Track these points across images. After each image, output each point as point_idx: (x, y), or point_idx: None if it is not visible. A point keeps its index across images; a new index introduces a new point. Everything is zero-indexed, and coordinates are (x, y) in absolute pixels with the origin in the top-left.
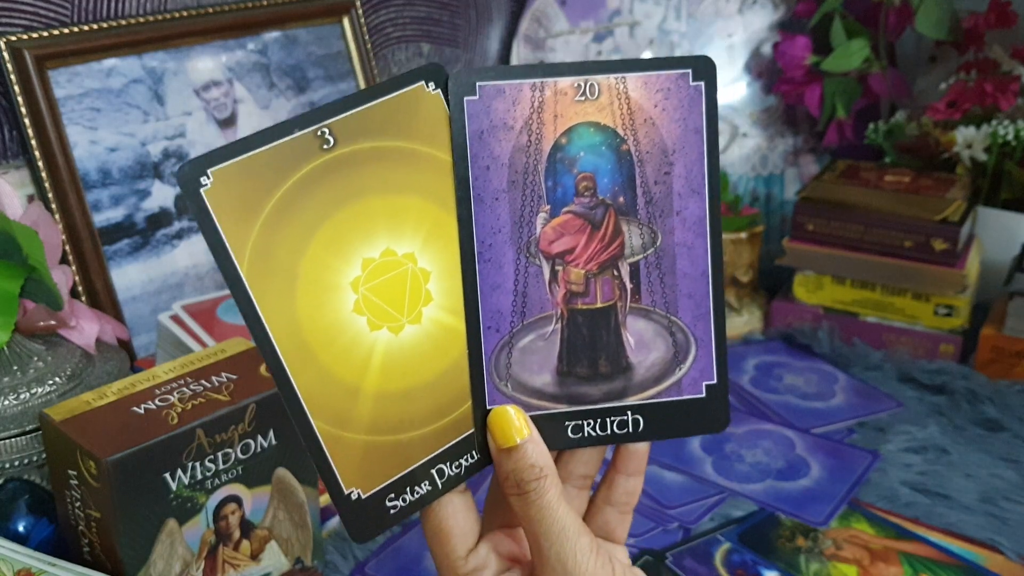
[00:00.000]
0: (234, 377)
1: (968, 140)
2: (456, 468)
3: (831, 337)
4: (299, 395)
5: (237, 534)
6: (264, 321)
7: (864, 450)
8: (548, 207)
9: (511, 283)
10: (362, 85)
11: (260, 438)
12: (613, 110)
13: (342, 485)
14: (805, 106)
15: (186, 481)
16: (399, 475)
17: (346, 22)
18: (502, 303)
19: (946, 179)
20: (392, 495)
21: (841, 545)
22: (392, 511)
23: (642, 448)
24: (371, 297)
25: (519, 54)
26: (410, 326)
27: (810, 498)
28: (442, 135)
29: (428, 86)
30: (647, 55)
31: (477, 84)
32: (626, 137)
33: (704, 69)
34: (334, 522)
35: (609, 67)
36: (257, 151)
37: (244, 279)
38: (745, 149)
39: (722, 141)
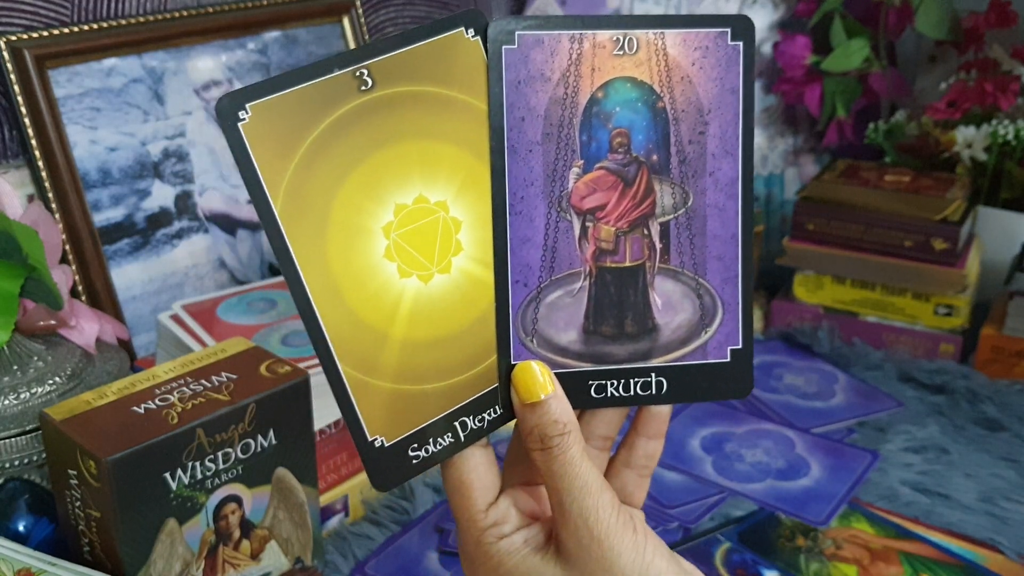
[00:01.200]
0: (234, 377)
1: (968, 140)
2: (479, 421)
3: (831, 337)
4: (327, 337)
5: (237, 534)
6: (295, 260)
7: (864, 450)
8: (581, 162)
9: (541, 237)
10: None
11: (260, 438)
12: (651, 66)
13: (366, 432)
14: (805, 106)
15: (186, 481)
16: (423, 425)
17: (346, 22)
18: (531, 257)
19: (946, 179)
20: (415, 445)
21: (841, 545)
22: (414, 461)
23: (664, 411)
24: (402, 243)
25: None
26: (439, 275)
27: (810, 498)
28: (479, 83)
29: (467, 32)
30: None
31: (516, 33)
32: (662, 94)
33: (743, 28)
34: (334, 522)
35: (649, 22)
36: (296, 88)
37: (277, 216)
38: None
39: None
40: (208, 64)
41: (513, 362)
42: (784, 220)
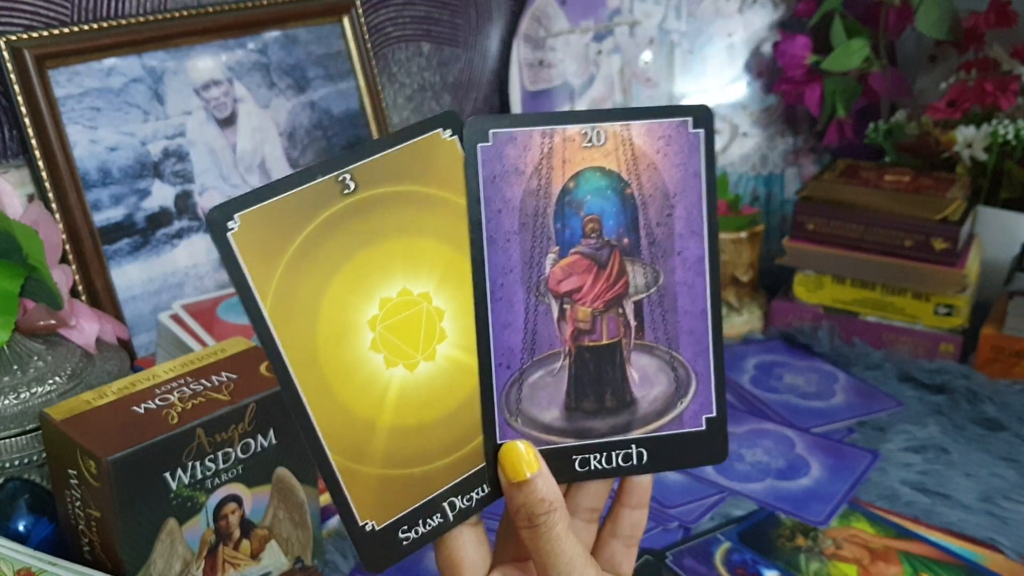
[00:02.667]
0: (234, 377)
1: (968, 139)
2: (468, 501)
3: (831, 337)
4: (317, 429)
5: (237, 533)
6: (285, 358)
7: (864, 449)
8: (557, 248)
9: (521, 321)
10: (362, 84)
11: (260, 438)
12: (618, 156)
13: (357, 517)
14: (805, 106)
15: (186, 480)
16: (412, 507)
17: (346, 21)
18: (513, 340)
19: (946, 179)
20: (405, 527)
21: (841, 544)
22: (405, 542)
23: (646, 481)
24: (388, 335)
25: (519, 53)
26: (425, 363)
27: (810, 497)
28: (457, 179)
29: (444, 133)
30: (647, 55)
31: (490, 131)
32: (630, 181)
33: (703, 117)
34: (334, 522)
35: (614, 115)
36: (281, 196)
37: (267, 318)
38: (745, 149)
39: (722, 140)
40: (208, 64)
41: (499, 441)
42: (784, 220)
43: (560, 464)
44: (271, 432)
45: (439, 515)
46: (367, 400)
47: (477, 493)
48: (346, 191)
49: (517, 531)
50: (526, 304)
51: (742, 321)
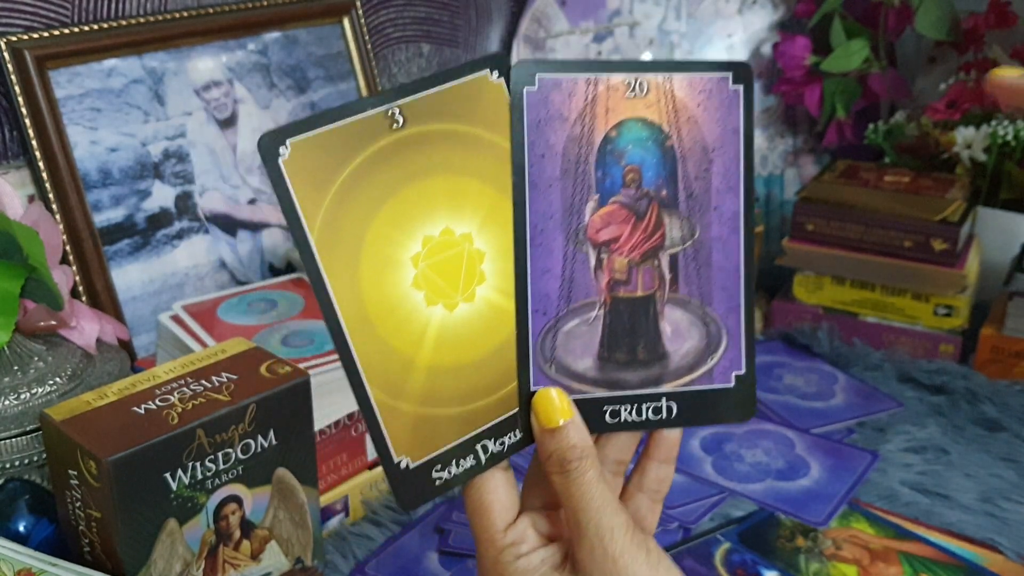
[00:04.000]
0: (234, 377)
1: (968, 140)
2: (500, 445)
3: (831, 337)
4: (357, 362)
5: (237, 534)
6: (329, 288)
7: (864, 450)
8: (597, 196)
9: (559, 268)
10: (362, 85)
11: (260, 438)
12: (660, 107)
13: (393, 453)
14: (805, 106)
15: (186, 481)
16: (446, 447)
17: (346, 22)
18: (550, 287)
19: (946, 179)
20: (439, 466)
21: (841, 545)
22: (438, 481)
23: (674, 436)
24: (429, 273)
25: (519, 54)
26: (464, 304)
27: (810, 498)
28: (503, 122)
29: (492, 75)
30: (647, 56)
31: (537, 76)
32: (671, 134)
33: (743, 74)
34: (334, 522)
35: (657, 67)
36: (333, 126)
37: (313, 246)
38: None
39: None
40: (208, 65)
41: (533, 388)
42: (784, 220)
43: (591, 414)
44: (271, 433)
45: (472, 457)
46: (407, 336)
47: (509, 438)
48: (395, 125)
49: (548, 477)
50: (564, 251)
51: None
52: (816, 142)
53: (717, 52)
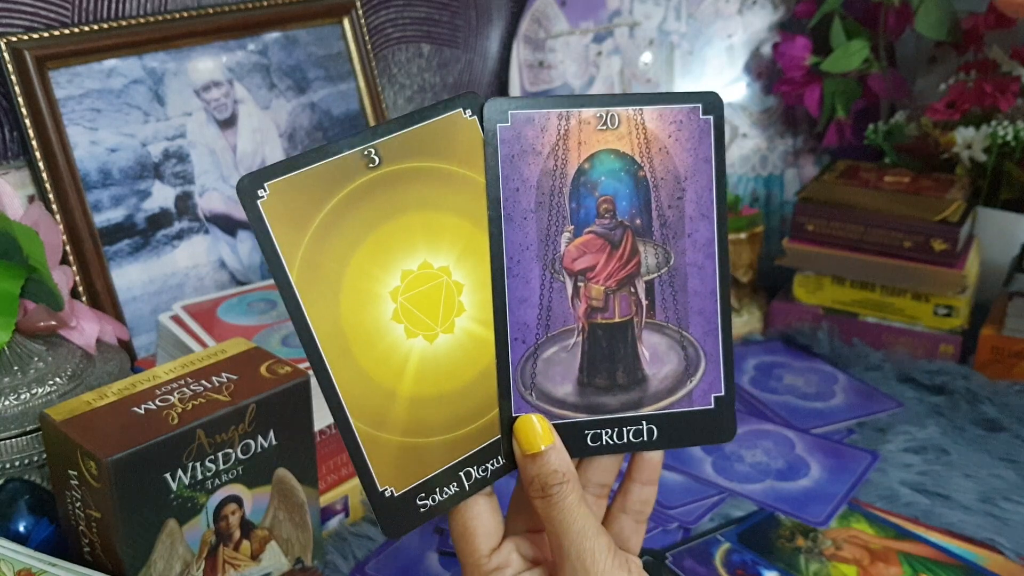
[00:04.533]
0: (234, 377)
1: (968, 141)
2: (483, 471)
3: (831, 337)
4: (340, 395)
5: (237, 534)
6: (310, 324)
7: (864, 450)
8: (572, 227)
9: (537, 297)
10: (362, 86)
11: (260, 438)
12: (631, 139)
13: (377, 483)
14: (805, 106)
15: (186, 481)
16: (430, 476)
17: (346, 23)
18: (528, 316)
19: (946, 179)
20: (423, 494)
21: (841, 545)
22: (422, 509)
23: (656, 457)
24: (408, 306)
25: (519, 54)
26: (443, 335)
27: (810, 498)
28: (477, 158)
29: (466, 112)
30: (647, 56)
31: (509, 112)
32: (643, 164)
33: (712, 104)
34: (334, 522)
35: (628, 100)
36: (310, 167)
37: (294, 284)
38: (745, 149)
39: None
40: (208, 65)
41: (514, 415)
42: (784, 221)
43: (572, 438)
44: (271, 433)
45: (455, 484)
46: (388, 369)
47: (492, 464)
48: (371, 165)
49: (531, 502)
50: (542, 280)
51: (742, 322)
52: (816, 142)
53: (717, 52)
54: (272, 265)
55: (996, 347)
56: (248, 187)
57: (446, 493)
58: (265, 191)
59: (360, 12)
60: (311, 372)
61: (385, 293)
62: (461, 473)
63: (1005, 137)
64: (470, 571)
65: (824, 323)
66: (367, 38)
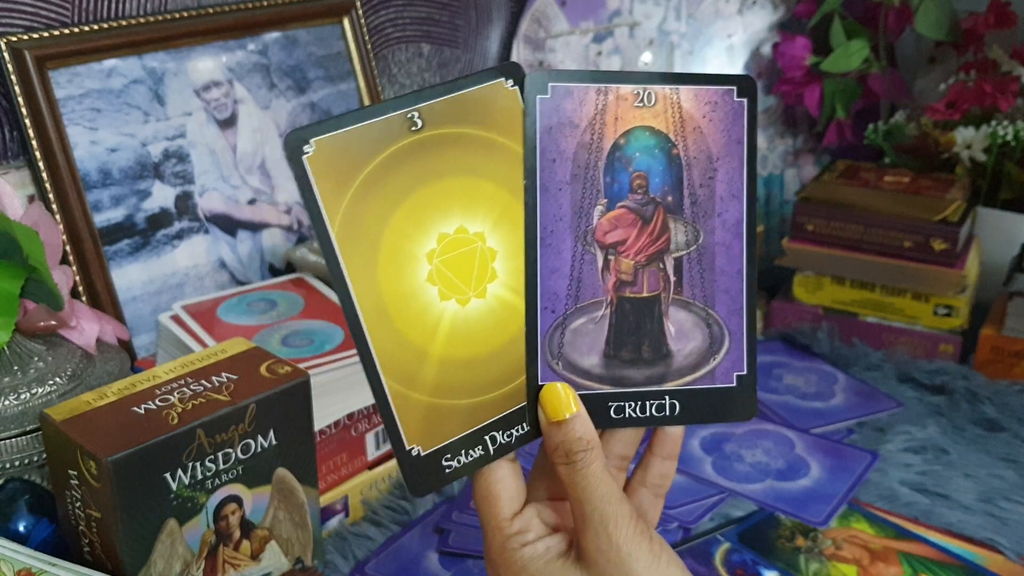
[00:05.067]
0: (234, 377)
1: (967, 140)
2: (508, 437)
3: (831, 337)
4: (373, 353)
5: (237, 534)
6: (348, 281)
7: (864, 450)
8: (605, 200)
9: (568, 268)
10: (362, 86)
11: (260, 438)
12: (667, 117)
13: (405, 441)
14: (805, 106)
15: (186, 481)
16: (457, 437)
17: (346, 23)
18: (559, 286)
19: (946, 179)
20: (449, 455)
21: (841, 545)
22: (448, 470)
23: (677, 432)
24: (443, 269)
25: (519, 54)
26: (476, 300)
27: (810, 498)
28: (516, 127)
29: (507, 82)
30: (647, 56)
31: (549, 84)
32: (677, 142)
33: (747, 87)
34: (334, 522)
35: (665, 79)
36: (355, 126)
37: (334, 241)
38: None
39: None
40: (208, 65)
41: (540, 383)
42: (784, 221)
43: (596, 410)
44: (271, 433)
45: (480, 447)
46: (421, 329)
47: (517, 430)
48: (414, 128)
49: (553, 470)
50: (573, 252)
51: None
52: (816, 142)
53: (717, 52)
54: (314, 220)
55: (996, 347)
56: (295, 142)
57: (471, 456)
58: (311, 147)
59: (360, 12)
60: (317, 365)
61: (421, 255)
62: (486, 437)
63: (1005, 137)
64: (492, 534)
65: (824, 323)
66: (367, 38)
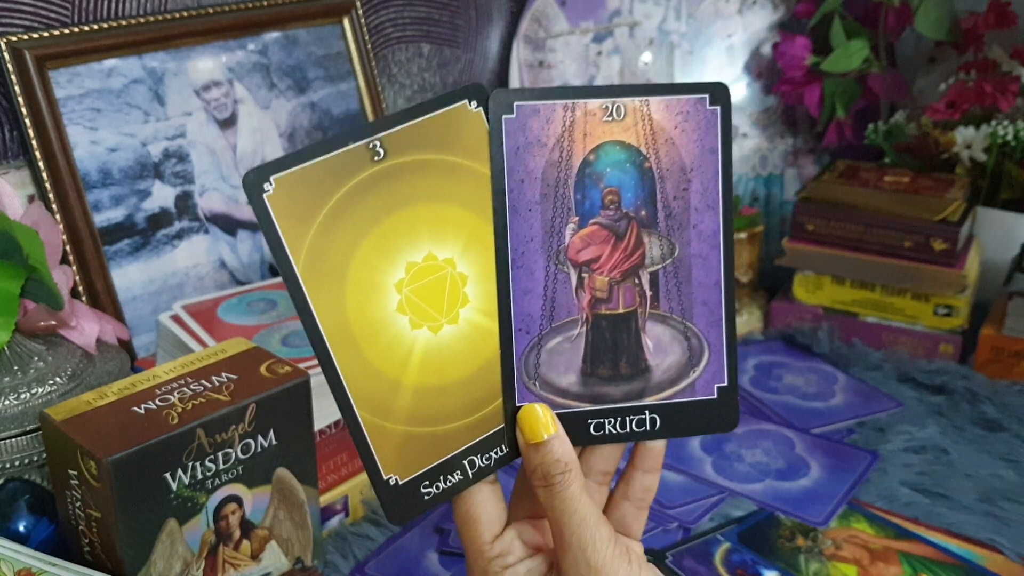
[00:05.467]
0: (234, 377)
1: (967, 140)
2: (487, 460)
3: (831, 337)
4: (345, 385)
5: (237, 534)
6: (316, 316)
7: (864, 450)
8: (576, 218)
9: (541, 288)
10: (362, 85)
11: (260, 438)
12: (637, 130)
13: (382, 471)
14: (805, 106)
15: (186, 481)
16: (434, 464)
17: (346, 22)
18: (532, 307)
19: (946, 179)
20: (427, 482)
21: (841, 545)
22: (426, 497)
23: (659, 446)
24: (413, 298)
25: (519, 54)
26: (448, 326)
27: (810, 498)
28: (482, 150)
29: (471, 104)
30: (647, 56)
31: (515, 103)
32: (648, 155)
33: (720, 95)
34: (334, 522)
35: (634, 91)
36: (315, 160)
37: (299, 277)
38: (745, 150)
39: None
40: (208, 65)
41: (518, 404)
42: (784, 220)
43: (575, 428)
44: (271, 432)
45: (459, 472)
46: (393, 359)
47: (495, 453)
48: (376, 158)
49: (533, 490)
50: (546, 272)
51: (742, 322)
52: (816, 142)
53: (717, 52)
54: (278, 258)
55: (996, 347)
56: (254, 181)
57: (450, 481)
58: (271, 185)
59: (360, 12)
60: (318, 365)
61: (390, 285)
62: (465, 461)
63: (1005, 137)
64: (474, 557)
65: (824, 323)
66: (367, 38)
